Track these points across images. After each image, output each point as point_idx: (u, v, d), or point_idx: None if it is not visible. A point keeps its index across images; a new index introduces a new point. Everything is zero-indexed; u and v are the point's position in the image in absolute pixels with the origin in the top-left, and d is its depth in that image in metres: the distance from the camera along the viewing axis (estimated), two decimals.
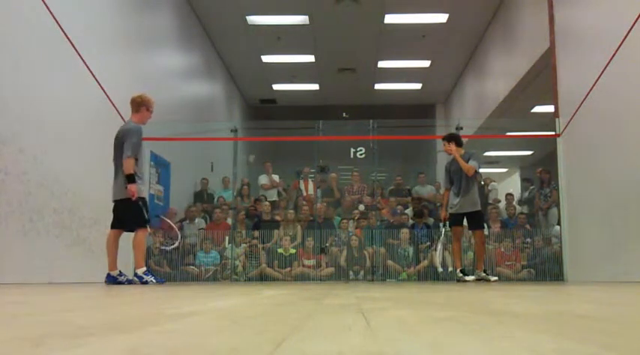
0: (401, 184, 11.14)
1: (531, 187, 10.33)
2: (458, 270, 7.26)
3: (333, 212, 9.98)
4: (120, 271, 5.92)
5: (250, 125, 15.64)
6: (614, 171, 6.90)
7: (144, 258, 6.07)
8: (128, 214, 5.85)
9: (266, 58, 14.46)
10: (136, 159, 5.90)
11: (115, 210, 5.97)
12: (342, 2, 11.63)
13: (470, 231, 7.55)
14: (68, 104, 6.76)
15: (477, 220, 7.21)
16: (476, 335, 1.16)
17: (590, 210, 7.68)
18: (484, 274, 7.20)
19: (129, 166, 5.78)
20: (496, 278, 7.61)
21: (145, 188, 6.08)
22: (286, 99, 17.20)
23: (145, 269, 5.98)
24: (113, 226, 5.95)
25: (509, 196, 10.27)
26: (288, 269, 9.07)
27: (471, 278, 7.23)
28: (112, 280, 5.84)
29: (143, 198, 5.97)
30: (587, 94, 7.55)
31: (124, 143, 5.81)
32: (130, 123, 6.04)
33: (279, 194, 10.91)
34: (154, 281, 5.90)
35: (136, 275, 6.01)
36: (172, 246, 7.80)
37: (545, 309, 2.06)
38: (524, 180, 10.68)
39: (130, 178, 5.76)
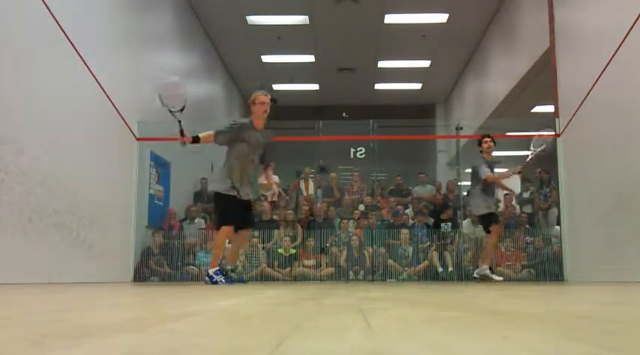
0: (401, 184, 11.14)
1: (532, 188, 10.35)
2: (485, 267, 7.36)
3: (333, 212, 9.98)
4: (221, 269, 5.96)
5: None
6: (614, 171, 6.90)
7: (218, 258, 5.95)
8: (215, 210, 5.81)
9: (266, 58, 14.46)
10: (229, 153, 5.84)
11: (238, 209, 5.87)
12: (342, 2, 11.63)
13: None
14: (68, 104, 6.76)
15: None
16: (476, 335, 1.16)
17: (590, 210, 7.68)
18: (488, 272, 7.36)
19: (208, 136, 5.82)
20: (500, 278, 7.67)
21: (237, 188, 5.85)
22: (286, 99, 17.18)
23: (216, 268, 5.82)
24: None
25: (507, 196, 10.27)
26: (288, 269, 9.07)
27: (499, 278, 7.40)
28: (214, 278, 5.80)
29: (226, 196, 5.82)
30: (587, 94, 7.55)
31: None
32: None
33: (278, 194, 10.89)
34: (223, 281, 5.72)
35: (207, 274, 5.88)
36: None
37: (545, 309, 2.06)
38: (524, 180, 10.67)
39: (194, 138, 5.77)
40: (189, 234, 9.58)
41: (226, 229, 5.84)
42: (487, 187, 7.41)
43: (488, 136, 7.66)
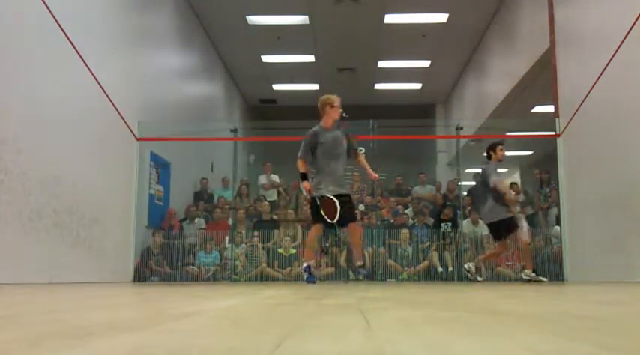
0: (401, 184, 11.13)
1: (523, 190, 10.42)
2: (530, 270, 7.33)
3: None
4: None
5: (250, 125, 15.63)
6: (614, 170, 6.90)
7: (307, 252, 6.52)
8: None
9: (266, 58, 14.46)
10: (311, 158, 6.19)
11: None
12: (342, 2, 11.62)
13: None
14: (68, 104, 6.76)
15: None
16: (476, 335, 1.16)
17: (590, 210, 7.68)
18: (533, 274, 7.31)
19: (298, 166, 6.23)
20: (481, 278, 7.78)
21: (324, 187, 6.14)
22: (286, 100, 17.19)
23: (305, 264, 6.33)
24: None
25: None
26: (288, 269, 9.07)
27: (544, 279, 7.41)
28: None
29: (313, 198, 6.18)
30: (587, 94, 7.54)
31: None
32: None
33: (278, 194, 10.90)
34: (304, 275, 6.28)
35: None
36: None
37: (545, 309, 2.06)
38: (511, 184, 10.70)
39: (301, 176, 6.19)
40: (189, 234, 9.57)
41: (314, 228, 6.34)
42: (496, 193, 7.30)
43: (502, 144, 7.46)
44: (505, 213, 7.15)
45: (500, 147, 7.38)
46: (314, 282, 6.26)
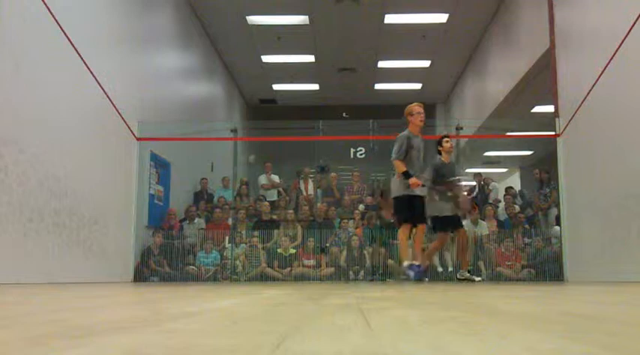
0: None
1: (519, 191, 10.45)
2: (464, 270, 7.42)
3: (334, 212, 9.98)
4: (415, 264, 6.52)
5: (250, 125, 15.64)
6: (614, 170, 6.90)
7: (404, 252, 6.66)
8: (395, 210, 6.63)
9: (266, 58, 14.46)
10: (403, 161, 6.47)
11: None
12: (342, 2, 11.62)
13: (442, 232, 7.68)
14: (68, 104, 6.76)
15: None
16: (476, 335, 1.16)
17: (590, 210, 7.68)
18: (468, 274, 7.35)
19: (397, 167, 6.49)
20: (480, 278, 7.77)
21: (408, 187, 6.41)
22: (286, 99, 17.20)
23: (405, 263, 6.44)
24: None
25: (507, 197, 10.27)
26: (288, 269, 9.06)
27: (478, 278, 7.55)
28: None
29: (403, 196, 6.45)
30: (587, 94, 7.54)
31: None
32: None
33: (278, 194, 10.90)
34: (411, 275, 6.39)
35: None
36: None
37: (545, 309, 2.06)
38: (507, 188, 10.70)
39: (405, 175, 6.38)
40: (189, 234, 9.57)
41: (403, 228, 6.58)
42: (441, 188, 7.16)
43: (447, 136, 7.62)
44: (450, 211, 7.11)
45: (445, 139, 7.47)
46: (423, 279, 6.59)
